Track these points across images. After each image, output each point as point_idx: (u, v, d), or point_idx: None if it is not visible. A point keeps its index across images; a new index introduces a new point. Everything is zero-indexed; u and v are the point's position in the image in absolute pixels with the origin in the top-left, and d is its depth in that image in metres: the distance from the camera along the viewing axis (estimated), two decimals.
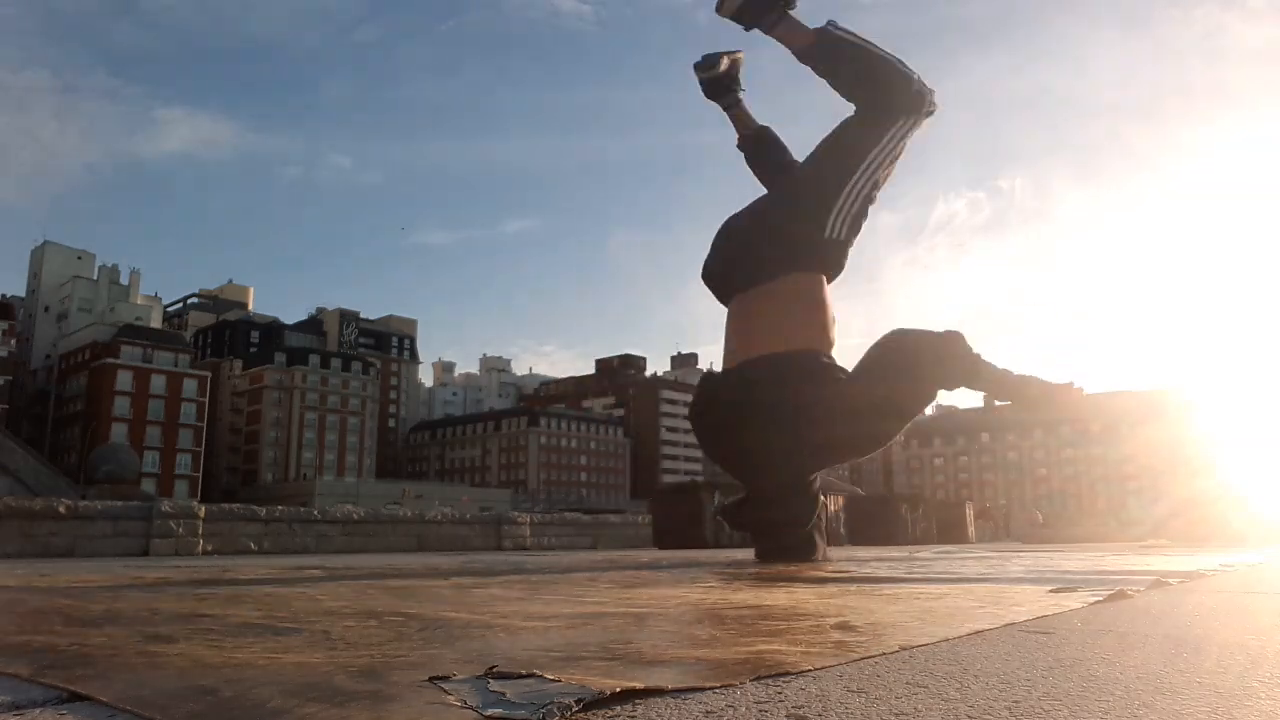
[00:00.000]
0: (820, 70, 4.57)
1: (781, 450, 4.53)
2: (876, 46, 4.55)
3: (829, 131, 4.75)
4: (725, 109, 5.30)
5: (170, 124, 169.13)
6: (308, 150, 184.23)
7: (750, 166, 5.40)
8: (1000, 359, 4.54)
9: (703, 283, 5.02)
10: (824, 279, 4.75)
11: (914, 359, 4.38)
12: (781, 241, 4.70)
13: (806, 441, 4.50)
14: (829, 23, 4.58)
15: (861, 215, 4.68)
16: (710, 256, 4.98)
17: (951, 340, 4.41)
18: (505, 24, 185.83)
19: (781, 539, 4.87)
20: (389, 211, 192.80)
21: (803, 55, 4.55)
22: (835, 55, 4.53)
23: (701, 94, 5.21)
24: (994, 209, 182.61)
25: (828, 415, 4.42)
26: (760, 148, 5.37)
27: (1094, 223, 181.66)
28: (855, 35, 4.56)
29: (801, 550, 4.82)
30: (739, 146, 5.41)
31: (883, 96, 4.56)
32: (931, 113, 4.64)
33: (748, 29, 4.60)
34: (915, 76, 4.54)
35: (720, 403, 4.79)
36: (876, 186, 4.68)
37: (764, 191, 5.19)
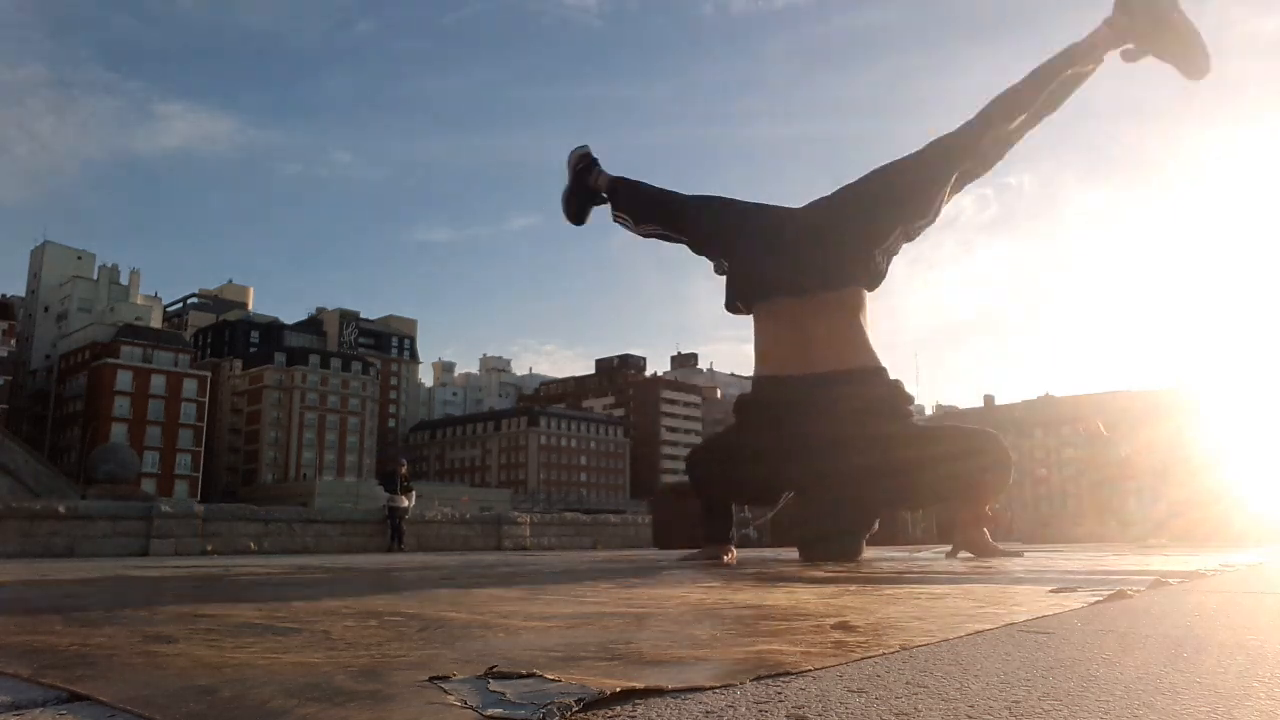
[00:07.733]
0: None
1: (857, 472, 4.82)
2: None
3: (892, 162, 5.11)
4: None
5: (169, 119, 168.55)
6: (309, 146, 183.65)
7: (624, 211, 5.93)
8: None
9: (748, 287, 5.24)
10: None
11: (974, 456, 4.74)
12: (842, 255, 5.04)
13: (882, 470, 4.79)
14: None
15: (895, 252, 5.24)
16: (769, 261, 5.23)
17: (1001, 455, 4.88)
18: (508, 18, 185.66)
19: (830, 542, 5.16)
20: (391, 209, 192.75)
21: None
22: None
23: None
24: (1001, 206, 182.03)
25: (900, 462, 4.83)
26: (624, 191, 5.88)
27: (1100, 221, 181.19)
28: None
29: (846, 551, 5.08)
30: (607, 190, 5.96)
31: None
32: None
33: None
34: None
35: (791, 404, 5.00)
36: (916, 234, 5.20)
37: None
